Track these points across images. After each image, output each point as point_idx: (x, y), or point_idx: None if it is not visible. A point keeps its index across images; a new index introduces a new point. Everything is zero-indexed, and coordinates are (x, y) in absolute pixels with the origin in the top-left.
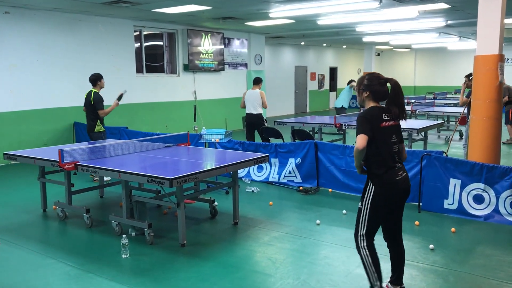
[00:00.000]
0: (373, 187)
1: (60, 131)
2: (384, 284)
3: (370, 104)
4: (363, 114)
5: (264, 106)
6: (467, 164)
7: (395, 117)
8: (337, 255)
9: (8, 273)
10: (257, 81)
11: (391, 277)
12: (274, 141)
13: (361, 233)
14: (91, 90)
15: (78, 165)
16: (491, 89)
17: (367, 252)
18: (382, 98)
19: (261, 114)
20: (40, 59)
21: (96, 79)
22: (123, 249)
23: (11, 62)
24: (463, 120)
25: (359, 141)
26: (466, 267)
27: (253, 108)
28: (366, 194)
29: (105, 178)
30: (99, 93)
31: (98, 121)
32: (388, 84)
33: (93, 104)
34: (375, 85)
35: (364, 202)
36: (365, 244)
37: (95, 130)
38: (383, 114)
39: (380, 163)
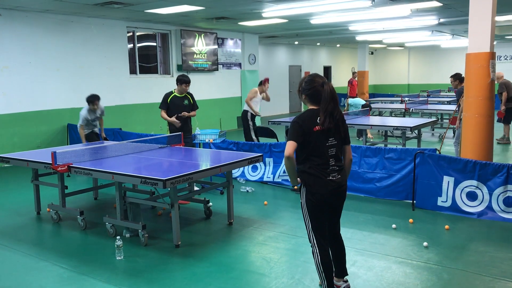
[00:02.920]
0: (304, 185)
1: (53, 133)
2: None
3: (309, 106)
4: (296, 118)
5: (246, 99)
6: (460, 162)
7: (322, 123)
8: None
9: (1, 276)
10: (259, 83)
11: (334, 270)
12: (265, 140)
13: (309, 229)
14: None
15: (71, 167)
16: (482, 87)
17: (317, 250)
18: (319, 101)
19: (246, 111)
20: (33, 61)
21: (176, 80)
22: (117, 250)
23: (3, 64)
24: (455, 120)
25: (287, 147)
26: (459, 264)
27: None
28: (301, 190)
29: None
30: (171, 92)
31: (167, 123)
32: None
33: None
34: (311, 89)
35: (301, 198)
36: (315, 242)
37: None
38: (318, 117)
39: (311, 163)
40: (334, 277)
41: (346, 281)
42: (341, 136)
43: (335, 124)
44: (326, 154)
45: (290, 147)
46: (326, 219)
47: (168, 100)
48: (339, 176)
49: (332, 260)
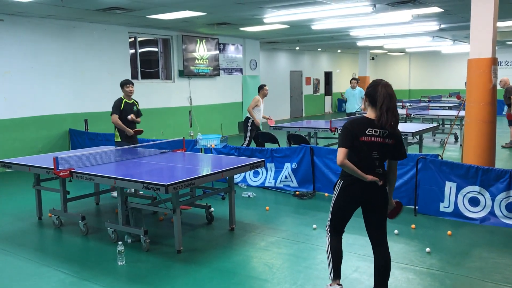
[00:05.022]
0: (341, 182)
1: (55, 138)
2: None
3: (369, 111)
4: (346, 123)
5: (248, 108)
6: (463, 167)
7: (382, 126)
8: None
9: (3, 281)
10: (258, 89)
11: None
12: (269, 146)
13: (328, 220)
14: None
15: (73, 172)
16: (484, 92)
17: (329, 235)
18: (375, 104)
19: (247, 117)
20: (35, 66)
21: (120, 85)
22: (119, 256)
23: (5, 69)
24: None
25: (338, 155)
26: (462, 270)
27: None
28: (336, 185)
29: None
30: (122, 99)
31: (116, 129)
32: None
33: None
34: (370, 87)
35: (334, 190)
36: (329, 235)
37: (114, 139)
38: (368, 128)
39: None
40: None
41: None
42: (383, 151)
43: (384, 135)
44: (373, 166)
45: (341, 153)
46: (347, 219)
47: (122, 106)
48: (379, 185)
49: (374, 272)
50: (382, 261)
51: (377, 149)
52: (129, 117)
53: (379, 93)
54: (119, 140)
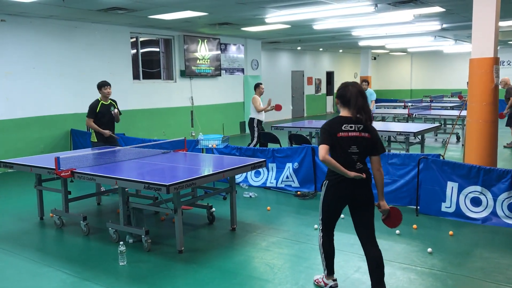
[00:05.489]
0: (327, 183)
1: (56, 138)
2: (329, 278)
3: (341, 111)
4: (324, 124)
5: (256, 110)
6: (464, 167)
7: (359, 121)
8: (335, 259)
9: (4, 282)
10: (253, 87)
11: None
12: (271, 145)
13: (319, 219)
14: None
15: (74, 173)
16: (486, 92)
17: (321, 235)
18: (347, 103)
19: (252, 118)
20: (36, 66)
21: (97, 87)
22: (120, 256)
23: (6, 70)
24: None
25: (319, 152)
26: (464, 270)
27: (250, 112)
28: (322, 185)
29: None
30: (98, 101)
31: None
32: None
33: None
34: (340, 89)
35: (321, 190)
36: (321, 234)
37: (91, 139)
38: (344, 124)
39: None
40: None
41: None
42: (363, 146)
43: (360, 129)
44: (351, 160)
45: (322, 150)
46: (337, 217)
47: (97, 110)
48: (361, 184)
49: (368, 272)
50: (373, 261)
51: (355, 143)
52: (115, 111)
53: (351, 93)
54: (95, 140)
